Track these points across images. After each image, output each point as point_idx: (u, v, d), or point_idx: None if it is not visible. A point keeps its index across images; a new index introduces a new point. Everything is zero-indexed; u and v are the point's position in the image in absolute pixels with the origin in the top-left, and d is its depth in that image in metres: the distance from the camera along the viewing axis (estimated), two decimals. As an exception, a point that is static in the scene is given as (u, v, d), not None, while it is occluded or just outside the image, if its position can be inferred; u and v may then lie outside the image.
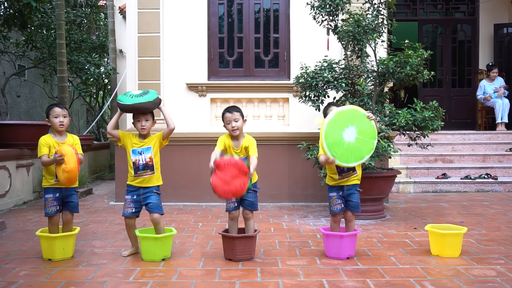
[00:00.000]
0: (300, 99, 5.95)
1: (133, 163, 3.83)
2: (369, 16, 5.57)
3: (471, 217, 5.45)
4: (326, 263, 3.68)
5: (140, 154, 3.83)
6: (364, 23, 5.42)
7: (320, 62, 5.74)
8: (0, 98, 10.20)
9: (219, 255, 3.90)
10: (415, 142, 5.79)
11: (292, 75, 6.62)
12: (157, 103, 3.84)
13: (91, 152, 9.59)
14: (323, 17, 5.77)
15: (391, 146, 5.36)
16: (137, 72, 6.68)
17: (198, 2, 6.81)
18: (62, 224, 3.97)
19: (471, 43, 10.47)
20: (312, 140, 5.82)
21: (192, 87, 6.80)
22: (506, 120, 9.35)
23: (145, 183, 3.84)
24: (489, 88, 9.69)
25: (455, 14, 10.75)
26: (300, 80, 5.71)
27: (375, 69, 5.65)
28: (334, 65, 5.68)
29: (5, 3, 8.32)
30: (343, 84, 5.51)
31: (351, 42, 5.56)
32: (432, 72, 5.54)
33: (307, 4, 5.84)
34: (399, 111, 5.43)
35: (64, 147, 3.73)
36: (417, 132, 5.62)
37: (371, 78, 5.71)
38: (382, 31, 5.69)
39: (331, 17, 5.73)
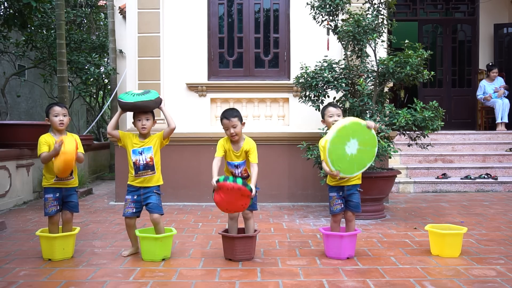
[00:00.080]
0: (300, 99, 5.95)
1: (134, 163, 3.82)
2: (369, 16, 5.57)
3: (471, 217, 5.45)
4: (326, 263, 3.68)
5: (141, 154, 3.83)
6: (364, 23, 5.41)
7: (320, 62, 5.74)
8: (0, 98, 10.21)
9: (219, 255, 3.90)
10: (415, 142, 5.79)
11: (292, 75, 6.62)
12: (158, 102, 3.84)
13: (91, 152, 9.59)
14: (323, 17, 5.77)
15: (391, 146, 5.36)
16: (137, 72, 6.68)
17: (198, 2, 6.81)
18: (62, 224, 3.97)
19: (471, 43, 10.48)
20: (312, 140, 5.83)
21: (192, 87, 6.80)
22: (506, 120, 9.35)
23: (146, 183, 3.84)
24: (489, 88, 9.69)
25: (455, 14, 10.75)
26: (300, 80, 5.71)
27: (375, 69, 5.65)
28: (334, 65, 5.68)
29: (5, 3, 8.33)
30: (343, 84, 5.51)
31: (351, 42, 5.56)
32: (432, 72, 5.54)
33: (307, 4, 5.84)
34: (399, 111, 5.42)
35: (64, 137, 3.76)
36: (417, 132, 5.62)
37: (371, 78, 5.71)
38: (382, 31, 5.69)
39: (331, 17, 5.73)
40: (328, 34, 5.91)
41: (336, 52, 6.37)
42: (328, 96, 5.79)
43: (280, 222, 5.32)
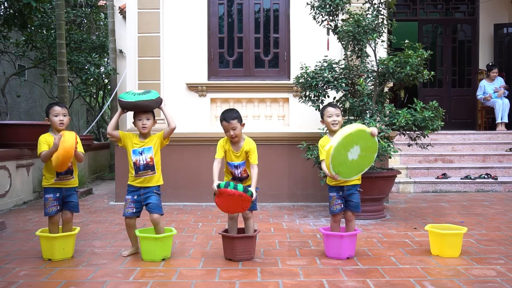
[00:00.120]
0: (300, 99, 5.95)
1: (134, 163, 3.82)
2: (369, 16, 5.57)
3: (471, 217, 5.45)
4: (326, 263, 3.68)
5: (141, 154, 3.82)
6: (364, 23, 5.42)
7: (320, 62, 5.74)
8: (0, 98, 10.21)
9: (219, 255, 3.90)
10: (415, 142, 5.79)
11: (292, 75, 6.62)
12: (159, 102, 3.84)
13: (91, 152, 9.59)
14: (323, 17, 5.77)
15: (391, 146, 5.36)
16: (137, 72, 6.68)
17: (198, 2, 6.81)
18: (62, 223, 3.97)
19: (471, 43, 10.48)
20: (312, 140, 5.83)
21: (192, 87, 6.80)
22: (506, 120, 9.35)
23: (146, 183, 3.84)
24: (489, 88, 9.69)
25: (455, 14, 10.75)
26: (300, 80, 5.71)
27: (375, 69, 5.65)
28: (334, 65, 5.68)
29: (5, 3, 8.33)
30: (343, 84, 5.51)
31: (351, 42, 5.56)
32: (432, 72, 5.54)
33: (307, 4, 5.84)
34: (399, 111, 5.42)
35: (63, 132, 3.73)
36: (417, 132, 5.62)
37: (371, 78, 5.71)
38: (382, 31, 5.69)
39: (331, 17, 5.73)
40: (328, 34, 5.91)
41: (336, 52, 6.37)
42: (328, 96, 5.79)
43: (280, 222, 5.32)
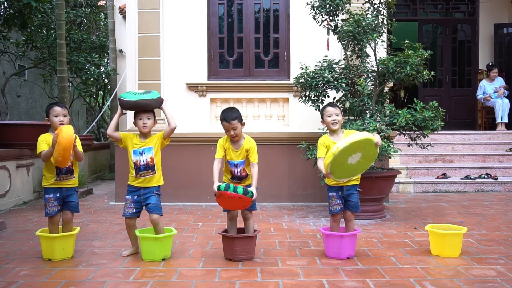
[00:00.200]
0: (300, 99, 5.95)
1: (134, 163, 3.82)
2: (369, 16, 5.57)
3: (471, 217, 5.45)
4: (326, 263, 3.68)
5: (141, 154, 3.82)
6: (364, 23, 5.42)
7: (320, 62, 5.74)
8: (0, 98, 10.21)
9: (219, 255, 3.90)
10: (415, 142, 5.79)
11: (292, 75, 6.62)
12: (159, 101, 3.84)
13: (91, 152, 9.58)
14: (323, 17, 5.77)
15: (391, 146, 5.36)
16: (137, 72, 6.68)
17: (198, 2, 6.81)
18: (62, 224, 3.97)
19: (471, 43, 10.48)
20: (312, 140, 5.82)
21: (192, 87, 6.80)
22: (506, 120, 9.35)
23: (146, 183, 3.84)
24: (489, 88, 9.69)
25: (455, 14, 10.75)
26: (300, 80, 5.71)
27: (375, 69, 5.65)
28: (334, 65, 5.68)
29: (5, 3, 8.33)
30: (343, 84, 5.51)
31: (351, 42, 5.56)
32: (432, 72, 5.54)
33: (307, 4, 5.84)
34: (399, 111, 5.42)
35: (61, 126, 3.69)
36: (417, 132, 5.62)
37: (371, 78, 5.71)
38: (382, 31, 5.69)
39: (331, 17, 5.73)
40: (328, 34, 5.91)
41: (336, 52, 6.37)
42: (328, 96, 5.79)
43: (280, 222, 5.32)
